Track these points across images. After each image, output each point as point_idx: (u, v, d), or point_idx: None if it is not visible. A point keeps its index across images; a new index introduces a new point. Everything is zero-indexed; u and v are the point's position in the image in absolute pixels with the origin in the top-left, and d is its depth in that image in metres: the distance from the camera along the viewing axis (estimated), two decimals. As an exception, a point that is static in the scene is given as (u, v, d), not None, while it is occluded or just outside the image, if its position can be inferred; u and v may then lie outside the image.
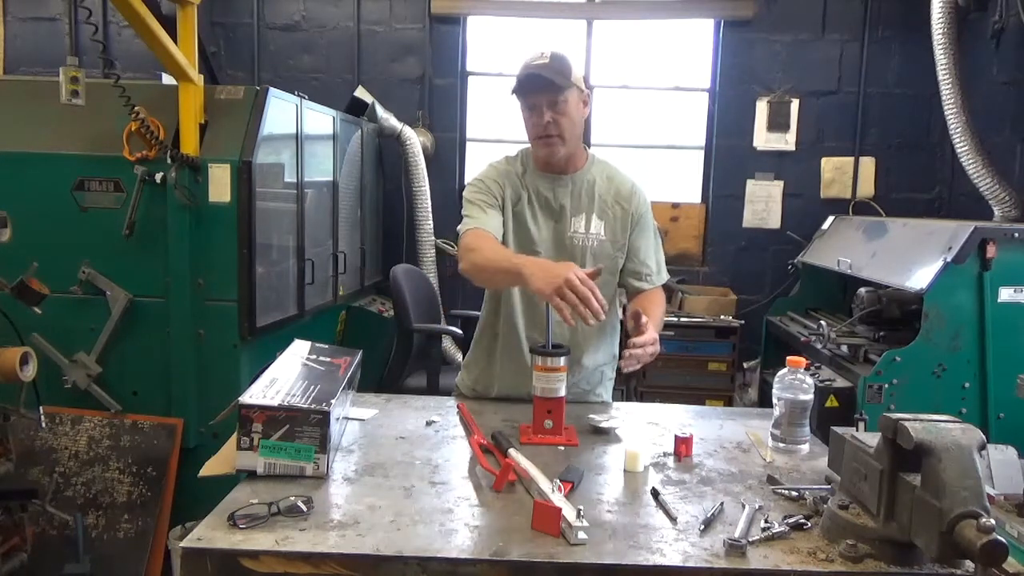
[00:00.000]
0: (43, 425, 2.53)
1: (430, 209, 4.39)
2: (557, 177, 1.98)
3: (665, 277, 2.08)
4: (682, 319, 4.06)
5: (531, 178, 1.99)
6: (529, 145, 2.01)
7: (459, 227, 1.94)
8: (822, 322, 3.30)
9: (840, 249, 3.62)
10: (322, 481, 1.38)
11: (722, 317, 4.13)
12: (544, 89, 1.83)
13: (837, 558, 1.13)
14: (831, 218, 4.08)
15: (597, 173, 2.01)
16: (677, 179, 4.77)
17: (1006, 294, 2.71)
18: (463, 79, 4.69)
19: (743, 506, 1.30)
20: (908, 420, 1.09)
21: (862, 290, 3.16)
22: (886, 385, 2.72)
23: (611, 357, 2.13)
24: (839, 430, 1.31)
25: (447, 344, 4.15)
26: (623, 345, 1.81)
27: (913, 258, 2.90)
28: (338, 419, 1.53)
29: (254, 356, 2.80)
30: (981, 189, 3.54)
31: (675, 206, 4.68)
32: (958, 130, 3.55)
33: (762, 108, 4.50)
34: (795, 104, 4.48)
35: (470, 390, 2.10)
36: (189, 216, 2.70)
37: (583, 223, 1.97)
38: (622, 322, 2.17)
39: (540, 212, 1.98)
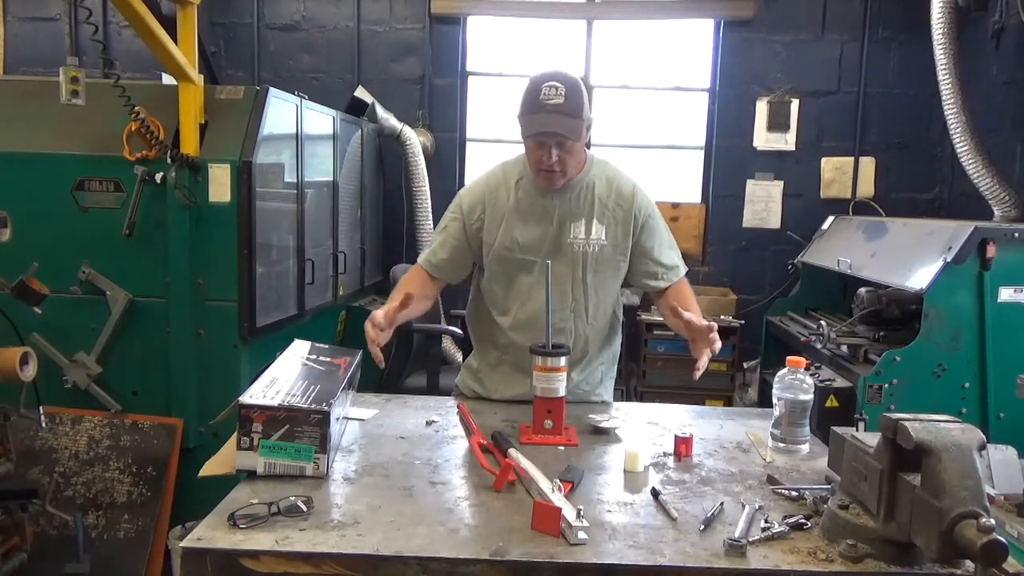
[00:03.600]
0: (43, 425, 2.53)
1: (430, 209, 4.38)
2: None
3: (684, 269, 2.04)
4: (682, 319, 4.05)
5: (527, 184, 1.95)
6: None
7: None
8: (822, 322, 3.30)
9: (840, 249, 3.62)
10: (322, 481, 1.38)
11: (722, 317, 4.12)
12: (557, 130, 1.78)
13: (837, 558, 1.13)
14: (831, 218, 4.08)
15: (597, 176, 1.96)
16: (677, 179, 4.77)
17: (1006, 294, 2.71)
18: (463, 79, 4.68)
19: (743, 506, 1.30)
20: (908, 420, 1.09)
21: (862, 290, 3.16)
22: (886, 385, 2.72)
23: (612, 357, 2.13)
24: (839, 430, 1.32)
25: (447, 344, 4.15)
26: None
27: (913, 258, 2.90)
28: (338, 419, 1.54)
29: (254, 356, 2.80)
30: (981, 189, 3.53)
31: (675, 206, 4.68)
32: (958, 130, 3.55)
33: (762, 108, 4.50)
34: (795, 104, 4.48)
35: (471, 391, 2.10)
36: (189, 216, 2.70)
37: (583, 228, 1.93)
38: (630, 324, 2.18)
39: (533, 220, 1.94)
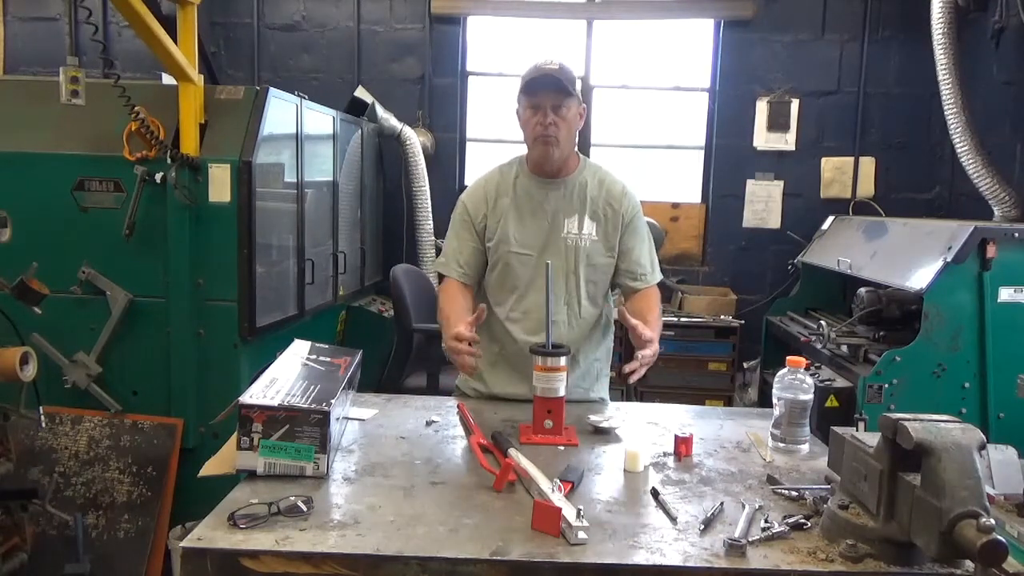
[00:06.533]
0: (43, 425, 2.53)
1: (430, 209, 4.38)
2: (549, 181, 2.03)
3: (659, 276, 2.12)
4: (682, 319, 4.06)
5: (523, 181, 2.04)
6: (523, 153, 2.07)
7: (440, 257, 2.11)
8: (822, 322, 3.30)
9: (840, 249, 3.62)
10: (322, 481, 1.38)
11: (722, 317, 4.13)
12: (553, 89, 1.90)
13: (837, 558, 1.13)
14: (831, 218, 4.08)
15: (589, 176, 2.05)
16: (677, 179, 4.77)
17: (1006, 294, 2.71)
18: (463, 79, 4.69)
19: (743, 506, 1.30)
20: (908, 420, 1.09)
21: (862, 290, 3.16)
22: (886, 385, 2.72)
23: (606, 353, 2.16)
24: (839, 430, 1.31)
25: (447, 344, 4.14)
26: (627, 355, 1.84)
27: (913, 258, 2.90)
28: (338, 419, 1.54)
29: (254, 356, 2.79)
30: (981, 189, 3.54)
31: (675, 206, 4.68)
32: (958, 130, 3.55)
33: (762, 108, 4.50)
34: (795, 104, 4.48)
35: (471, 389, 2.10)
36: (189, 216, 2.69)
37: (576, 224, 2.01)
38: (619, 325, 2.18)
39: (529, 215, 2.02)
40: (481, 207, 2.05)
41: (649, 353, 1.80)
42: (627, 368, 1.79)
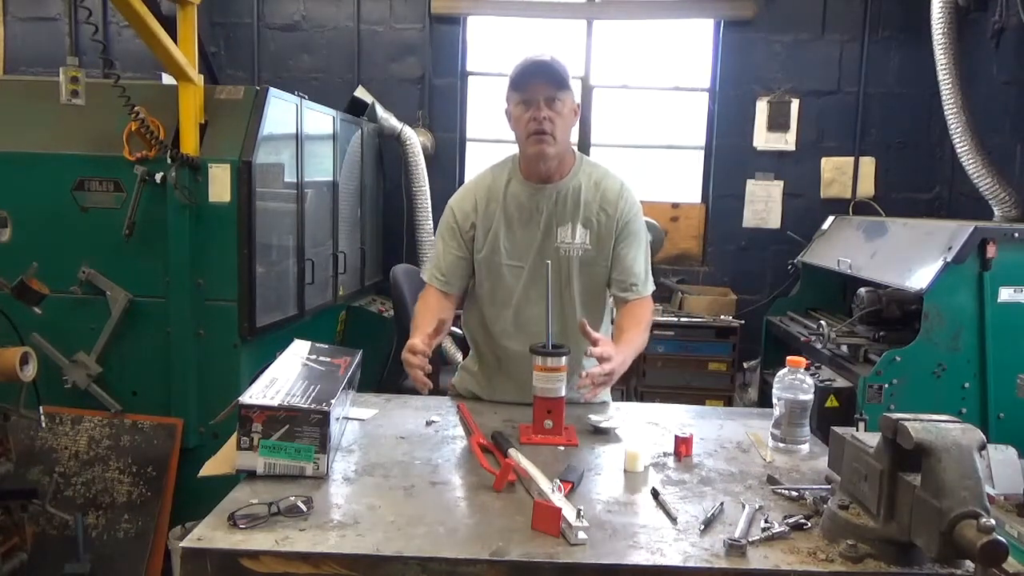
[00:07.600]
0: (43, 425, 2.53)
1: (430, 209, 4.38)
2: (542, 187, 1.92)
3: (652, 287, 1.99)
4: (682, 319, 4.06)
5: (515, 187, 1.94)
6: (515, 154, 1.98)
7: (426, 265, 1.99)
8: (822, 322, 3.30)
9: (840, 249, 3.62)
10: (322, 481, 1.38)
11: (722, 317, 4.13)
12: (546, 81, 1.80)
13: (837, 558, 1.13)
14: (831, 218, 4.08)
15: (584, 178, 1.93)
16: (677, 179, 4.77)
17: (1006, 294, 2.71)
18: (463, 79, 4.69)
19: (743, 506, 1.30)
20: (908, 420, 1.09)
21: (862, 290, 3.16)
22: (886, 385, 2.72)
23: None
24: (839, 430, 1.31)
25: (447, 344, 4.15)
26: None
27: (913, 258, 2.90)
28: (338, 419, 1.54)
29: (254, 356, 2.79)
30: (981, 189, 3.54)
31: (675, 206, 4.68)
32: (958, 130, 3.55)
33: (762, 108, 4.50)
34: (795, 104, 4.48)
35: (468, 392, 2.09)
36: (189, 216, 2.69)
37: (569, 232, 1.91)
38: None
39: (519, 225, 1.93)
40: (470, 214, 1.95)
41: (597, 372, 1.64)
42: (578, 385, 1.66)
